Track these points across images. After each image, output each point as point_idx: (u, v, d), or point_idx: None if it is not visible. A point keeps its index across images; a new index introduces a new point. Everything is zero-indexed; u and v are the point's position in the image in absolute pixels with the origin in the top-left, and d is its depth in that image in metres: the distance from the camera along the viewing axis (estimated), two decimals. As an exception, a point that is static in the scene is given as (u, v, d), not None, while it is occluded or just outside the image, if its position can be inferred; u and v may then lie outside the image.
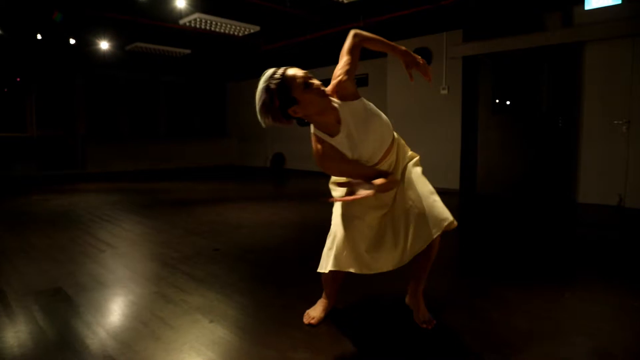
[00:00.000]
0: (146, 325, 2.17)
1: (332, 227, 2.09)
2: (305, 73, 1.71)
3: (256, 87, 1.69)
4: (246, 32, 7.09)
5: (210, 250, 3.68)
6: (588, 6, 5.60)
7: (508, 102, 7.11)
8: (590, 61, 5.87)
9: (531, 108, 6.79)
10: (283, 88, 1.65)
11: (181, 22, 6.54)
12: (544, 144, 6.53)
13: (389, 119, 1.95)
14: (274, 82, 1.65)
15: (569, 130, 6.20)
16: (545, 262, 3.41)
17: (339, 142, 1.81)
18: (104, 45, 7.93)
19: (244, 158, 13.25)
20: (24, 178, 9.44)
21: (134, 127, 11.90)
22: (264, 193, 7.94)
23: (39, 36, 7.56)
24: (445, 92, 7.35)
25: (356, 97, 1.85)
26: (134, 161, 11.44)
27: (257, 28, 6.90)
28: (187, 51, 8.73)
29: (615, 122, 5.69)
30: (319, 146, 1.80)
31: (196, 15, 6.21)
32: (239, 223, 4.86)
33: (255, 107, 1.70)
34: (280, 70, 1.68)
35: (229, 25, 6.71)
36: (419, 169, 2.09)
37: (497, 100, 7.13)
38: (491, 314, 2.32)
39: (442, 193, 2.10)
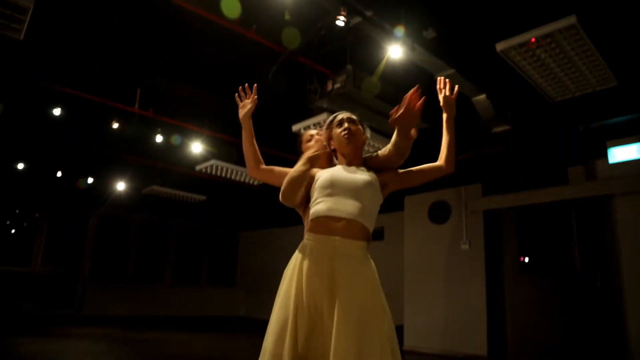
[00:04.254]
0: None
1: None
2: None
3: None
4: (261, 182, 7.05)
5: None
6: (612, 160, 5.44)
7: (536, 258, 6.64)
8: (622, 215, 5.55)
9: (563, 265, 6.31)
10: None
11: (197, 168, 6.57)
12: (583, 304, 5.90)
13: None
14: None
15: (610, 291, 5.55)
16: None
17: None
18: (121, 186, 7.98)
19: (253, 310, 12.39)
20: (18, 315, 8.76)
21: (140, 270, 11.49)
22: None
23: (59, 174, 7.69)
24: (466, 247, 6.92)
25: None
26: (134, 305, 10.75)
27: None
28: (202, 197, 8.73)
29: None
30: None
31: (212, 162, 6.24)
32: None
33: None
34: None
35: (244, 173, 6.69)
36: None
37: (525, 256, 6.66)
38: None
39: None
